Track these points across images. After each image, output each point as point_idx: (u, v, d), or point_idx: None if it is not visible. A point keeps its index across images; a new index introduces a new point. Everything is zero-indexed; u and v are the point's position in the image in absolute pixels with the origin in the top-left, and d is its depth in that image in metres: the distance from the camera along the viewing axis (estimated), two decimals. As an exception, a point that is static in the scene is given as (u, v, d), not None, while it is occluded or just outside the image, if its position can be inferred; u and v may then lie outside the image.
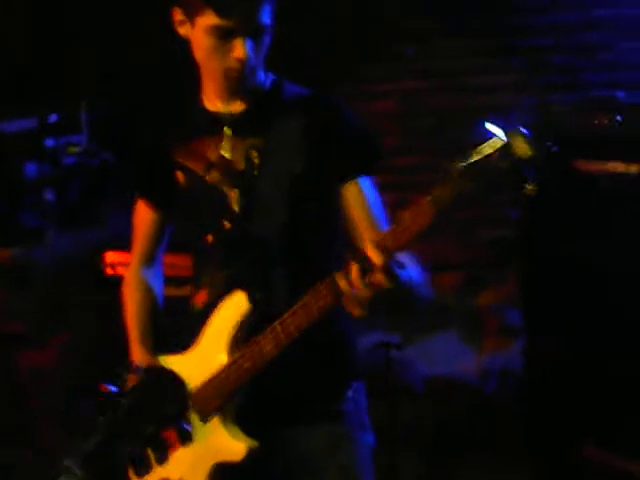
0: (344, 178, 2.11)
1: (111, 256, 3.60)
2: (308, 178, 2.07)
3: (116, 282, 2.52)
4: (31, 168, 4.32)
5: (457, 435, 3.77)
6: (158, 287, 2.37)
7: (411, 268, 1.90)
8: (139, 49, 4.61)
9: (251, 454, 1.99)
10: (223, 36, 2.00)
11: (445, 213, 1.77)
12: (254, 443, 1.99)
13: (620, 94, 1.83)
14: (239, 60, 2.02)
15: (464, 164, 1.75)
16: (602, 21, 4.39)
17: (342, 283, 1.84)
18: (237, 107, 2.14)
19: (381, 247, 1.80)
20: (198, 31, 2.02)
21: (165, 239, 2.35)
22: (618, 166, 2.13)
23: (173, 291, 2.72)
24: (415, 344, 4.11)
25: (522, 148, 1.70)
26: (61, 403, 3.78)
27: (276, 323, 1.94)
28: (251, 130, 2.11)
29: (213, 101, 2.16)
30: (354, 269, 1.82)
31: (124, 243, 2.42)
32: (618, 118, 1.75)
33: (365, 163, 2.14)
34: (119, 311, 2.35)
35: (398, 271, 1.83)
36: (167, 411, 2.04)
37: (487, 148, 1.73)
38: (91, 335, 3.76)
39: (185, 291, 2.94)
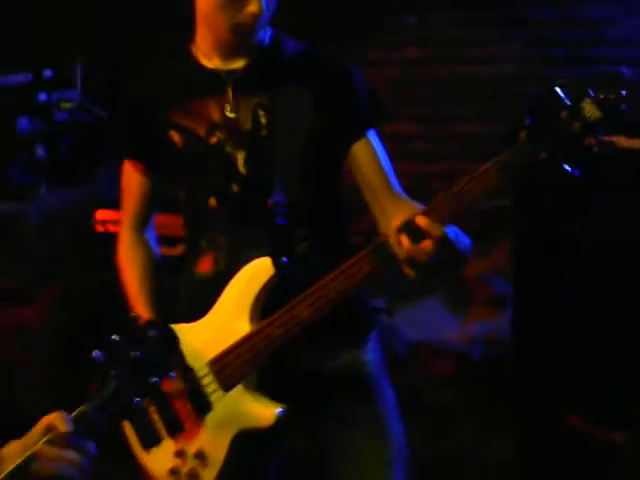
0: (356, 134, 2.06)
1: (102, 213, 3.58)
2: (321, 134, 2.01)
3: (106, 239, 2.49)
4: (23, 123, 4.27)
5: (441, 402, 3.77)
6: (155, 250, 2.28)
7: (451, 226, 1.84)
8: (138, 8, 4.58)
9: (280, 420, 1.91)
10: None
11: (510, 178, 1.74)
12: (283, 407, 1.91)
13: (626, 70, 1.82)
14: (254, 16, 1.93)
15: (532, 128, 1.73)
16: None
17: (396, 249, 1.80)
18: (238, 64, 2.03)
19: (435, 216, 1.77)
20: None
21: (156, 201, 2.25)
22: (621, 141, 2.10)
23: (165, 250, 2.69)
24: (400, 310, 4.11)
25: (591, 110, 1.69)
26: (46, 359, 3.76)
27: (314, 288, 1.88)
28: (255, 88, 2.02)
29: (210, 57, 2.05)
30: (404, 239, 1.79)
31: (115, 201, 2.38)
32: (623, 93, 1.74)
33: (374, 117, 2.10)
34: (110, 267, 2.30)
35: (452, 237, 1.80)
36: (168, 363, 1.99)
37: (556, 111, 1.71)
38: (81, 290, 3.74)
39: (177, 250, 2.92)
